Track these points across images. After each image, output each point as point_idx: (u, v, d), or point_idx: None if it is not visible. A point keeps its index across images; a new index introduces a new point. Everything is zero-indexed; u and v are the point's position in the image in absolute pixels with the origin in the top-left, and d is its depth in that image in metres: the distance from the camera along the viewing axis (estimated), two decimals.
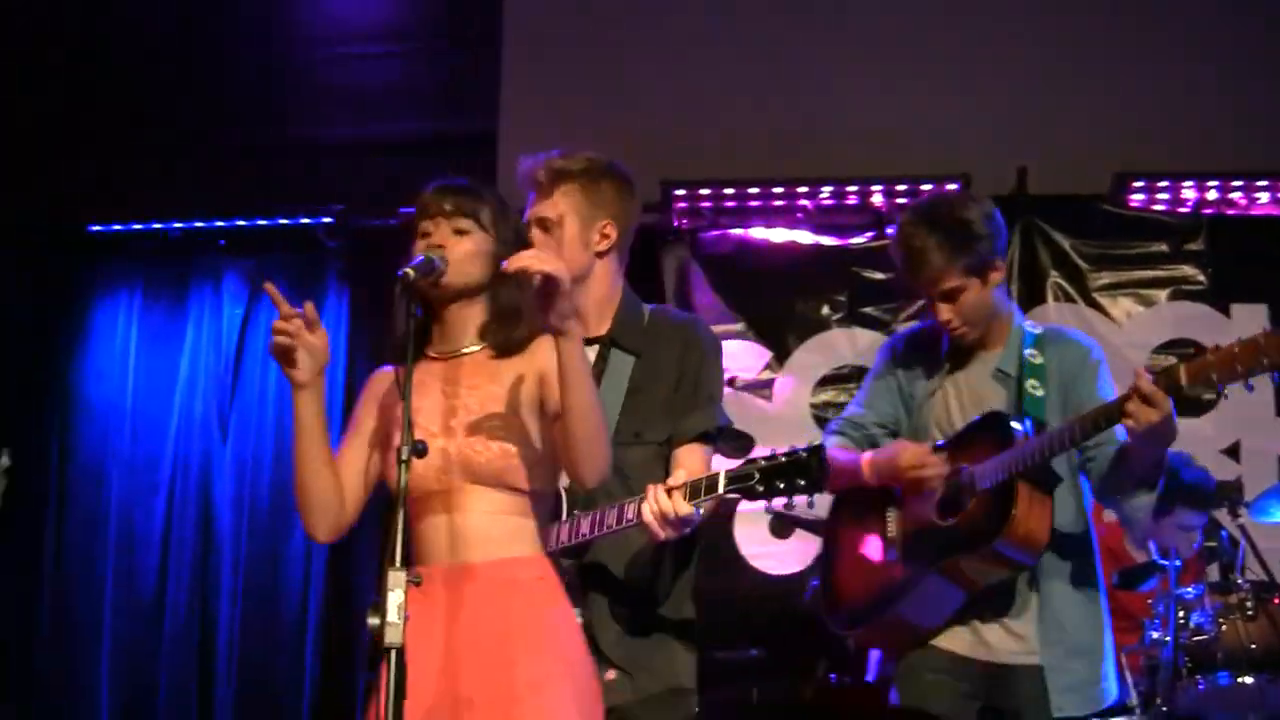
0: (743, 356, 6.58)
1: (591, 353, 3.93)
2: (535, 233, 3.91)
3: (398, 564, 3.13)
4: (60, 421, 7.23)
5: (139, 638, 7.05)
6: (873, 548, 4.21)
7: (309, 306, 3.46)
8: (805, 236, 6.64)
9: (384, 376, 3.65)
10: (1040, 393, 4.08)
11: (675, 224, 6.65)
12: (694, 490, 3.49)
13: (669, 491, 3.51)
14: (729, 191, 6.60)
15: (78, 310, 7.38)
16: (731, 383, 6.48)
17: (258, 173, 7.08)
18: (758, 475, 3.43)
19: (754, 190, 6.61)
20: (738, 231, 6.67)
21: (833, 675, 5.80)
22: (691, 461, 3.82)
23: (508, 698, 3.32)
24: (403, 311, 3.40)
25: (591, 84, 6.89)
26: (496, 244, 3.58)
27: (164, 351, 7.30)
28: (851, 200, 6.59)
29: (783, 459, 3.42)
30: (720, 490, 3.49)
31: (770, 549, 6.33)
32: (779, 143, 6.58)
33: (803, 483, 3.42)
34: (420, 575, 3.15)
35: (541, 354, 3.50)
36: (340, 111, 7.13)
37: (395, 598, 3.10)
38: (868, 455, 4.14)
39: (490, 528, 3.49)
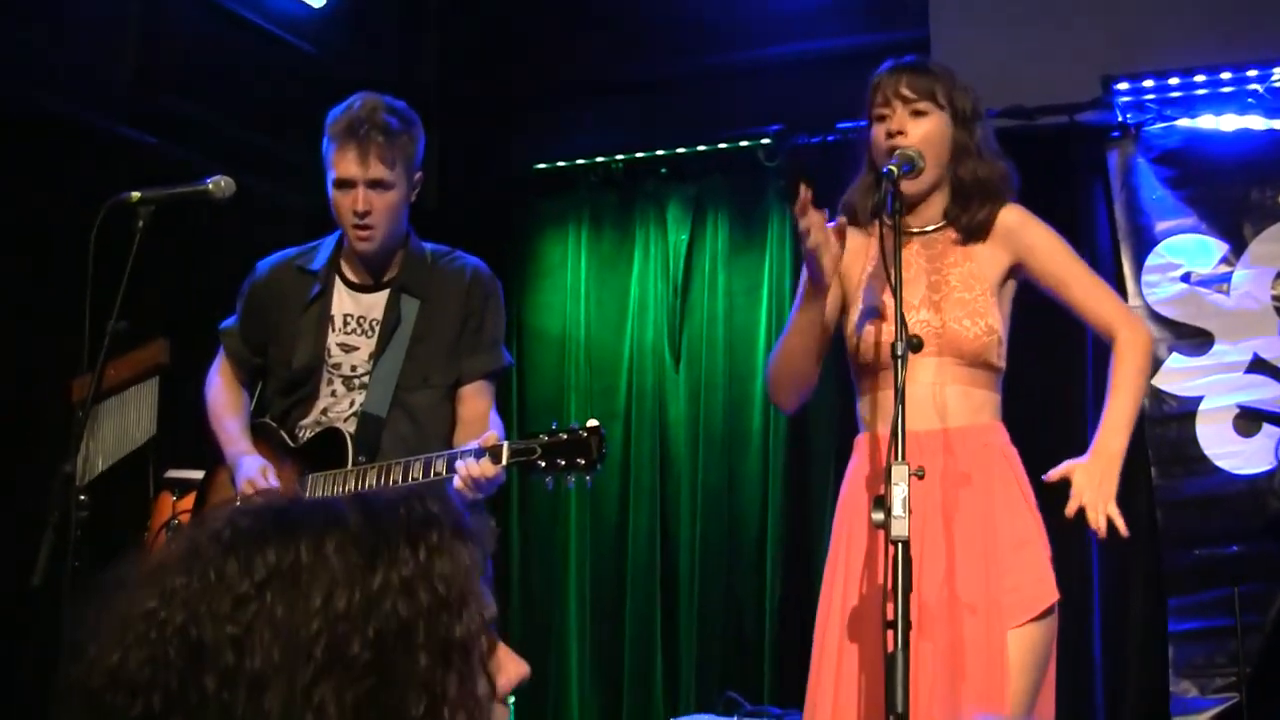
0: (1196, 251, 6.32)
1: (382, 299, 4.08)
2: (361, 190, 3.93)
3: (900, 459, 3.19)
4: (520, 355, 7.42)
5: (603, 557, 7.30)
6: None
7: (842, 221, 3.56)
8: (1257, 122, 6.29)
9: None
10: None
11: (1119, 119, 6.43)
12: (494, 455, 3.64)
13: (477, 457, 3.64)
14: (1174, 81, 6.31)
15: (529, 247, 7.65)
16: (1187, 278, 6.30)
17: (694, 99, 7.18)
18: (539, 450, 3.55)
19: (1200, 78, 6.30)
20: (1185, 122, 6.39)
21: None
22: (479, 401, 4.05)
23: (994, 554, 3.48)
24: (889, 211, 3.48)
25: None
26: (954, 121, 3.67)
27: (612, 282, 7.48)
28: None
29: (563, 436, 3.52)
30: (504, 462, 3.60)
31: (1236, 448, 6.16)
32: (1223, 25, 6.28)
33: (581, 462, 3.51)
34: (923, 469, 3.22)
35: (1011, 233, 3.63)
36: (771, 31, 7.11)
37: (900, 492, 3.16)
38: None
39: (966, 399, 3.61)
